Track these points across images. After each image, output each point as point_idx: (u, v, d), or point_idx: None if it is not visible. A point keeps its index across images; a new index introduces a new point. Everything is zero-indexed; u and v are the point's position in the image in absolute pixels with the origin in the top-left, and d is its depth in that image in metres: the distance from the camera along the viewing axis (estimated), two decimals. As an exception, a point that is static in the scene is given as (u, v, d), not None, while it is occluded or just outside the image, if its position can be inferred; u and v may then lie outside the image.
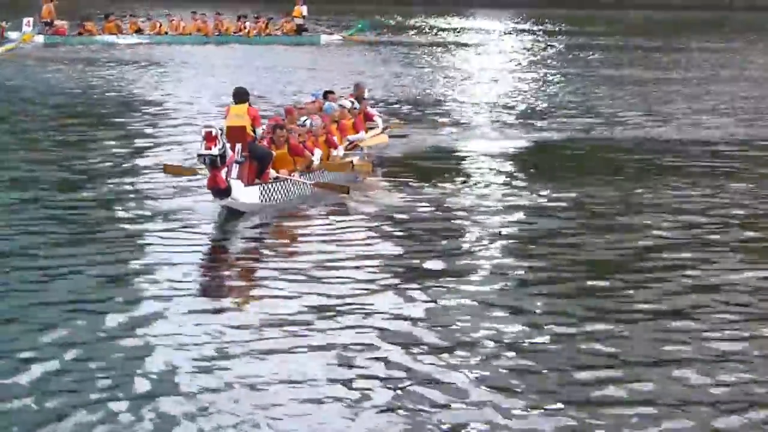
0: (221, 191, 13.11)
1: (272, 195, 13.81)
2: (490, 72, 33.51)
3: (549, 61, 37.73)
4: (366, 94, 18.64)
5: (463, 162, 17.68)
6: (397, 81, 29.96)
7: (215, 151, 12.79)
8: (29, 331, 8.78)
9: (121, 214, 13.27)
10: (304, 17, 44.19)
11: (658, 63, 36.80)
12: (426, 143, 19.16)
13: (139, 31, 42.43)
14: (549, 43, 45.49)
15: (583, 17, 60.85)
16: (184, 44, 40.65)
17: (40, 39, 40.11)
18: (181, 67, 33.36)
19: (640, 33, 50.32)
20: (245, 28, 43.17)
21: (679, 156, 18.37)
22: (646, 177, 16.25)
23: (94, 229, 12.49)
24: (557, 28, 53.69)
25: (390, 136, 18.41)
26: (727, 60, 38.13)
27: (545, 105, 25.28)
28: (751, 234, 12.72)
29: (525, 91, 28.14)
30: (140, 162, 16.94)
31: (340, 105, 17.00)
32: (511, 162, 17.78)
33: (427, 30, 53.03)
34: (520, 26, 55.54)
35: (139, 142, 18.92)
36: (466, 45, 44.54)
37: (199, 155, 12.92)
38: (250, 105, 14.24)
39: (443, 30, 53.14)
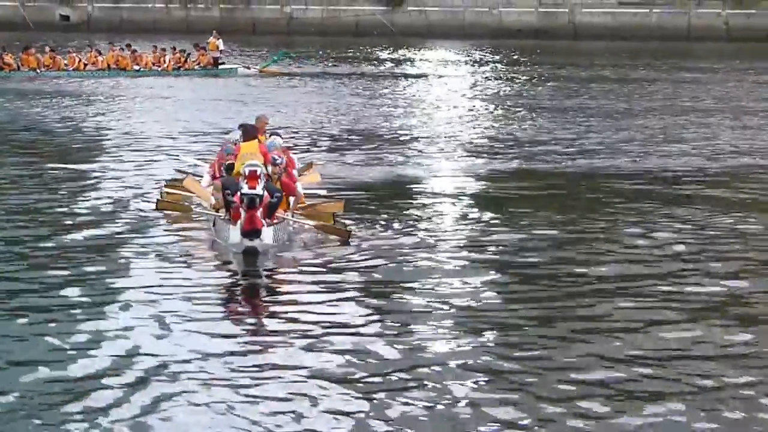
0: (256, 232, 12.79)
1: (279, 235, 13.56)
2: (428, 103, 33.80)
3: (501, 92, 38.02)
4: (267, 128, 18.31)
5: (412, 195, 17.78)
6: (325, 112, 30.09)
7: (259, 190, 12.57)
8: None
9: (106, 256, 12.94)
10: (220, 51, 44.65)
11: (613, 93, 37.02)
12: (365, 176, 19.15)
13: (53, 64, 41.63)
14: (502, 75, 45.62)
15: (537, 47, 61.11)
16: (103, 78, 40.52)
17: None
18: (106, 100, 33.32)
19: (596, 63, 50.53)
20: (164, 61, 43.14)
21: (632, 186, 18.57)
22: (598, 206, 16.50)
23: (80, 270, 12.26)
24: (510, 59, 53.83)
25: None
26: (683, 90, 38.40)
27: (497, 136, 25.39)
28: (709, 261, 12.98)
29: (474, 122, 28.39)
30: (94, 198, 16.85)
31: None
32: (464, 195, 17.95)
33: (374, 60, 53.04)
34: (473, 57, 55.70)
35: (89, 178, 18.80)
36: (411, 75, 44.76)
37: (243, 194, 12.59)
38: (260, 142, 14.03)
39: (389, 60, 53.19)
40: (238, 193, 12.89)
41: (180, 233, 14.32)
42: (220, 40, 44.54)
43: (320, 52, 56.14)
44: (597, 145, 23.83)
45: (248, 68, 44.50)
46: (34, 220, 15.15)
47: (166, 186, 16.51)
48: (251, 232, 12.81)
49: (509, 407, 8.14)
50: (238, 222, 13.01)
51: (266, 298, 11.77)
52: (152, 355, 9.19)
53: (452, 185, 18.69)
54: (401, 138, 24.90)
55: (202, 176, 16.37)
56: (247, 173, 12.58)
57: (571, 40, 66.12)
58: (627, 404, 8.27)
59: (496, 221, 15.23)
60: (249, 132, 14.28)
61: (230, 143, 16.34)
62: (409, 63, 51.73)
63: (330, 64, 49.04)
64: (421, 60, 53.85)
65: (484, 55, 56.10)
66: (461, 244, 13.76)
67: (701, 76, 43.51)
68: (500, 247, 13.48)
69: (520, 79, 42.73)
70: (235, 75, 43.13)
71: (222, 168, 14.90)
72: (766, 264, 12.95)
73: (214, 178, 15.75)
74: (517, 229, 14.65)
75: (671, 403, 8.26)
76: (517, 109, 31.49)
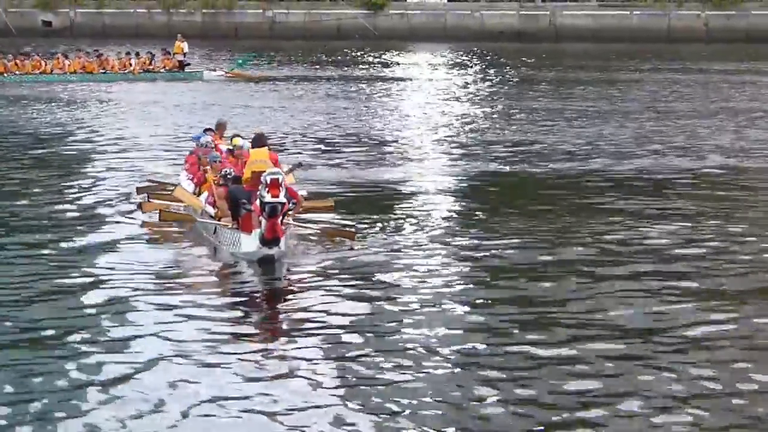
0: (276, 240, 12.77)
1: (289, 242, 13.56)
2: (410, 106, 34.00)
3: (483, 94, 38.09)
4: (227, 132, 18.26)
5: (396, 197, 17.94)
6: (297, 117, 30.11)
7: (282, 198, 12.43)
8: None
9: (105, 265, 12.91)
10: (185, 53, 44.61)
11: (595, 95, 37.17)
12: (349, 178, 19.35)
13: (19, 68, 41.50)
14: (484, 77, 45.74)
15: (519, 49, 61.25)
16: (70, 83, 40.44)
17: None
18: (73, 105, 33.29)
19: (577, 65, 50.71)
20: (130, 65, 43.19)
21: (614, 186, 18.75)
22: (581, 206, 16.72)
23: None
24: (492, 62, 53.98)
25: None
26: (664, 91, 38.58)
27: (480, 138, 25.53)
28: (684, 259, 13.15)
29: (456, 125, 28.49)
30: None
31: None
32: (449, 196, 18.14)
33: (356, 64, 53.06)
34: (455, 60, 55.81)
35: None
36: (394, 79, 44.78)
37: (266, 203, 12.44)
38: (270, 149, 14.06)
39: (371, 64, 53.23)
40: (257, 202, 12.74)
41: (173, 245, 14.23)
42: (185, 43, 44.49)
43: (303, 56, 56.20)
44: (579, 146, 23.98)
45: (214, 71, 44.46)
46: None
47: (142, 192, 16.34)
48: (273, 240, 12.74)
49: (527, 407, 8.27)
50: (255, 230, 12.95)
51: (286, 306, 11.72)
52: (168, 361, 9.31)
53: (435, 186, 18.82)
54: (385, 140, 25.05)
55: (174, 185, 16.35)
56: (269, 182, 12.36)
57: (552, 42, 66.30)
58: (615, 397, 8.45)
59: (482, 223, 15.41)
60: (258, 139, 14.25)
61: (209, 147, 16.31)
62: (391, 66, 51.76)
63: (313, 68, 49.07)
64: (403, 63, 53.88)
65: (466, 58, 56.18)
66: (450, 244, 13.92)
67: (682, 77, 43.71)
68: (489, 251, 13.59)
69: (502, 81, 42.85)
70: (200, 78, 43.09)
71: (219, 176, 14.78)
72: (749, 261, 13.14)
73: (199, 184, 15.80)
74: (500, 230, 14.82)
75: (654, 399, 8.46)
76: (500, 112, 31.62)
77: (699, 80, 42.75)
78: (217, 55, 54.74)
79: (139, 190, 16.75)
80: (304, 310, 11.15)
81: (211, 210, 14.70)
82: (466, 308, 11.13)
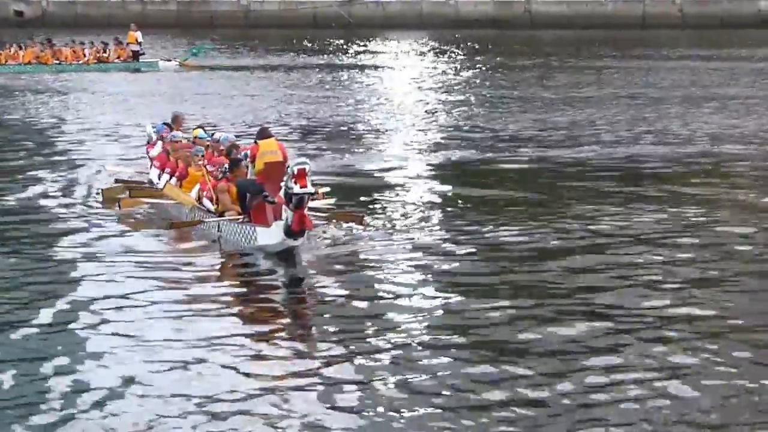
0: (302, 232, 12.56)
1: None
2: (386, 94, 33.87)
3: (459, 82, 38.04)
4: (183, 125, 18.15)
5: (375, 186, 17.85)
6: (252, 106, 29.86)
7: (310, 188, 12.23)
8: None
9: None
10: (139, 43, 44.11)
11: (570, 82, 37.14)
12: (327, 167, 19.22)
13: None
14: (460, 65, 45.67)
15: (494, 37, 61.21)
16: (23, 73, 39.99)
17: None
18: (26, 96, 32.99)
19: (552, 53, 50.71)
20: (84, 55, 42.74)
21: (591, 173, 18.72)
22: (561, 193, 16.66)
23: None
24: (468, 49, 53.90)
25: None
26: (640, 78, 38.62)
27: (456, 126, 25.49)
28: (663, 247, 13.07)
29: (432, 113, 28.49)
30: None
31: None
32: (423, 185, 17.95)
33: (332, 52, 52.83)
34: (431, 48, 55.68)
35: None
36: (370, 67, 44.59)
37: (294, 194, 12.15)
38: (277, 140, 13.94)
39: (347, 52, 53.01)
40: (281, 193, 12.43)
41: (171, 244, 13.89)
42: (139, 32, 43.93)
43: (278, 45, 55.92)
44: (555, 133, 23.98)
45: (169, 61, 44.11)
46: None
47: (111, 193, 16.02)
48: (300, 232, 12.52)
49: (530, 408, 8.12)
50: (277, 222, 12.69)
51: (300, 298, 11.61)
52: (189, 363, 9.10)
53: (412, 175, 18.76)
54: (361, 129, 24.95)
55: (141, 182, 16.14)
56: (296, 172, 12.07)
57: (527, 30, 66.26)
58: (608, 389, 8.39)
59: (467, 211, 15.35)
60: (264, 130, 14.06)
61: (177, 141, 16.17)
62: (367, 54, 51.60)
63: (288, 57, 48.85)
64: (379, 51, 53.75)
65: (442, 46, 56.08)
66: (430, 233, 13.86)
67: (657, 64, 43.78)
68: (474, 241, 13.51)
69: (478, 69, 42.78)
70: (156, 68, 42.65)
71: (218, 170, 14.45)
72: (726, 247, 13.13)
73: (181, 178, 15.56)
74: (479, 218, 14.76)
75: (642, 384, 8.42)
76: (476, 99, 31.55)
77: (674, 66, 42.81)
78: (172, 44, 54.16)
79: (108, 191, 16.28)
80: (323, 302, 11.06)
81: (210, 205, 14.40)
82: (454, 292, 11.10)
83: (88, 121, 26.70)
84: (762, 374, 8.62)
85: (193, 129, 17.53)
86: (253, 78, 39.45)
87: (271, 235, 12.79)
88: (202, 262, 12.88)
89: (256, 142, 13.94)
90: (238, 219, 13.57)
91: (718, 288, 11.28)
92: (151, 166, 16.89)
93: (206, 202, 14.46)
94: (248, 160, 13.98)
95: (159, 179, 16.02)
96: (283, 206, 12.59)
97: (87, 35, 47.53)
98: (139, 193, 15.79)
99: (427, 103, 30.89)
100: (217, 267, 12.90)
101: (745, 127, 25.12)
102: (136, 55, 43.60)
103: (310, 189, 12.25)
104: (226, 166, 14.41)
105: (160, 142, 16.89)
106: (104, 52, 43.17)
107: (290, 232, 12.53)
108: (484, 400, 8.20)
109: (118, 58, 43.35)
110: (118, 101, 31.52)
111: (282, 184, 12.46)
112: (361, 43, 57.90)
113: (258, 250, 12.96)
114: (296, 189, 12.11)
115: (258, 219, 13.10)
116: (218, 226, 13.88)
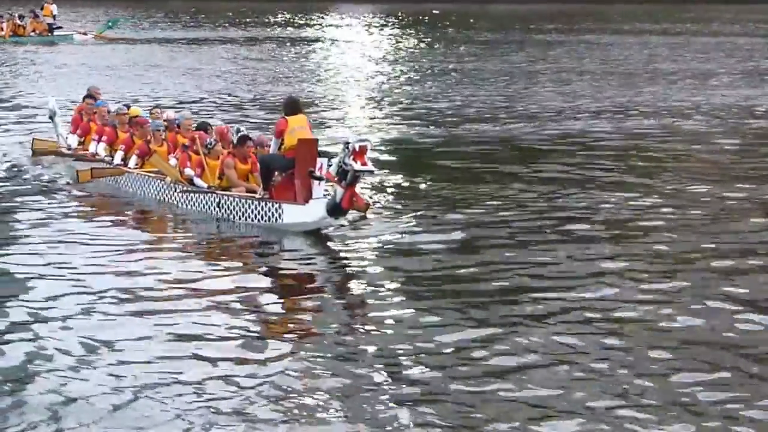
0: (347, 211, 12.04)
1: None
2: (337, 69, 33.08)
3: (413, 56, 37.59)
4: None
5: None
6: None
7: (371, 166, 11.83)
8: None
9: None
10: (54, 16, 43.41)
11: (528, 56, 36.72)
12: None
13: None
14: (414, 39, 45.11)
15: (447, 12, 60.80)
16: None
17: None
18: None
19: (510, 27, 50.29)
20: (2, 29, 41.70)
21: (552, 148, 18.16)
22: (525, 171, 15.86)
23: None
24: (423, 23, 53.32)
25: None
26: (599, 53, 38.24)
27: (411, 102, 24.96)
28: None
29: (385, 88, 27.77)
30: None
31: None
32: (385, 163, 16.95)
33: (280, 25, 51.90)
34: (384, 21, 55.09)
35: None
36: (318, 39, 43.93)
37: (354, 171, 11.66)
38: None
39: (295, 25, 52.12)
40: (331, 169, 11.93)
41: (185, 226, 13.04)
42: (54, 5, 43.29)
43: (220, 18, 54.94)
44: (515, 108, 23.39)
45: (84, 34, 43.30)
46: None
47: (86, 176, 14.62)
48: (346, 210, 12.00)
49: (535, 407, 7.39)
50: (316, 199, 12.14)
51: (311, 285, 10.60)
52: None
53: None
54: (311, 104, 24.08)
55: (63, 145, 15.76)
56: (357, 149, 11.57)
57: (481, 3, 65.82)
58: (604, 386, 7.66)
59: (416, 194, 14.48)
60: (295, 105, 12.88)
61: (123, 114, 15.35)
62: (316, 28, 50.88)
63: (235, 29, 47.91)
64: (330, 25, 53.04)
65: (390, 19, 55.50)
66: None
67: (614, 39, 43.58)
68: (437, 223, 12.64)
69: (433, 43, 42.29)
70: (71, 41, 41.95)
71: (204, 145, 13.46)
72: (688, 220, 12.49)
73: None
74: (439, 197, 14.03)
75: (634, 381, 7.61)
76: (431, 74, 30.92)
77: (631, 42, 42.60)
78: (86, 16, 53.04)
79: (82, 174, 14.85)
80: (307, 295, 10.20)
81: (201, 183, 13.33)
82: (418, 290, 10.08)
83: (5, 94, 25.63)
84: (744, 370, 7.97)
85: (129, 107, 16.46)
86: (195, 51, 38.50)
87: (305, 213, 12.17)
88: (194, 247, 12.01)
89: (284, 116, 12.88)
90: (255, 196, 12.68)
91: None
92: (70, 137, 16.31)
93: (197, 180, 13.39)
94: (274, 134, 12.96)
95: (102, 151, 15.34)
96: (318, 184, 12.19)
97: (1, 7, 46.38)
98: (105, 171, 14.74)
99: (377, 78, 30.14)
100: (210, 256, 11.71)
101: (697, 101, 24.88)
102: (51, 29, 42.82)
103: (371, 167, 11.84)
104: (211, 140, 13.57)
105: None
106: (20, 27, 42.14)
107: (337, 210, 12.01)
108: (477, 397, 7.51)
109: (34, 31, 42.44)
110: (32, 74, 30.42)
111: (334, 160, 12.01)
112: (311, 16, 57.09)
113: (274, 230, 12.17)
114: (356, 166, 11.66)
115: (283, 196, 12.36)
116: (219, 201, 12.97)
